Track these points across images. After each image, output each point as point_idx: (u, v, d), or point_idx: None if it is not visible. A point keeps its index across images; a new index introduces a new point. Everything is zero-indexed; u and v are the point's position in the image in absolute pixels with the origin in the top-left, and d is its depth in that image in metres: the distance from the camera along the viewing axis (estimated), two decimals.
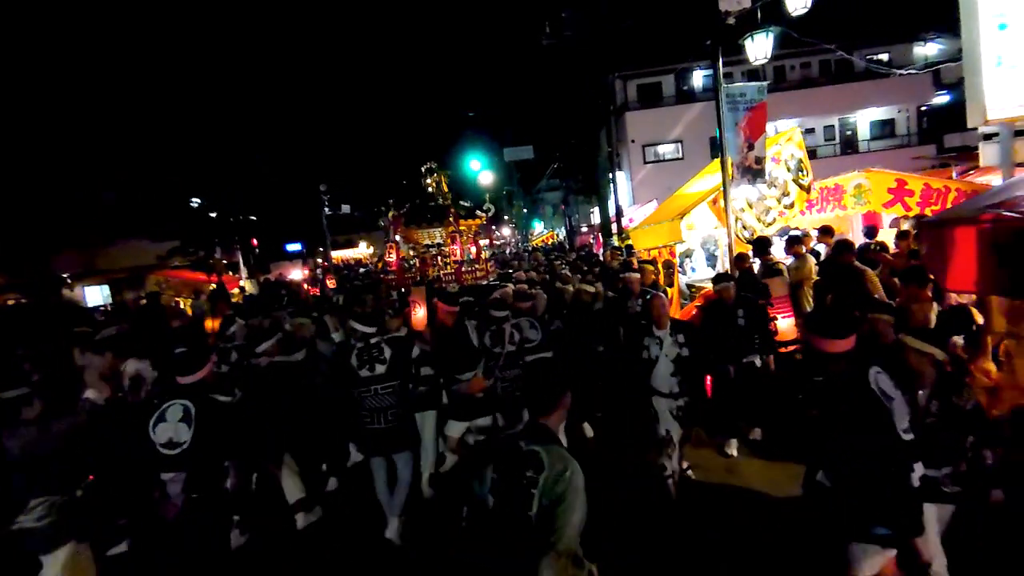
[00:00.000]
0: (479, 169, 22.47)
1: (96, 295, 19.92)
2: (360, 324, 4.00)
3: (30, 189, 16.33)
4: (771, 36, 6.87)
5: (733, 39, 7.24)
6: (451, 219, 9.34)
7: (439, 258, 9.23)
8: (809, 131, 23.21)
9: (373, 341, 3.88)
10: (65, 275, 18.88)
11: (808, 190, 7.82)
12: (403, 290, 8.16)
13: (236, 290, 17.96)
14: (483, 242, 11.29)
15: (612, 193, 15.70)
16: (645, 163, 22.57)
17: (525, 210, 37.42)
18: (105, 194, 18.21)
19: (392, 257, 9.78)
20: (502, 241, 50.47)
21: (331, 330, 5.29)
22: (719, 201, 7.56)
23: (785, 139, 7.82)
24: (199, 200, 20.80)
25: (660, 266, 8.33)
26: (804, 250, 6.29)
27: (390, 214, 9.82)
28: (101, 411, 3.52)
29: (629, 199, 21.84)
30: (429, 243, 9.48)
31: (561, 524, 1.85)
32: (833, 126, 23.34)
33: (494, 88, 53.67)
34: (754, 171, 7.40)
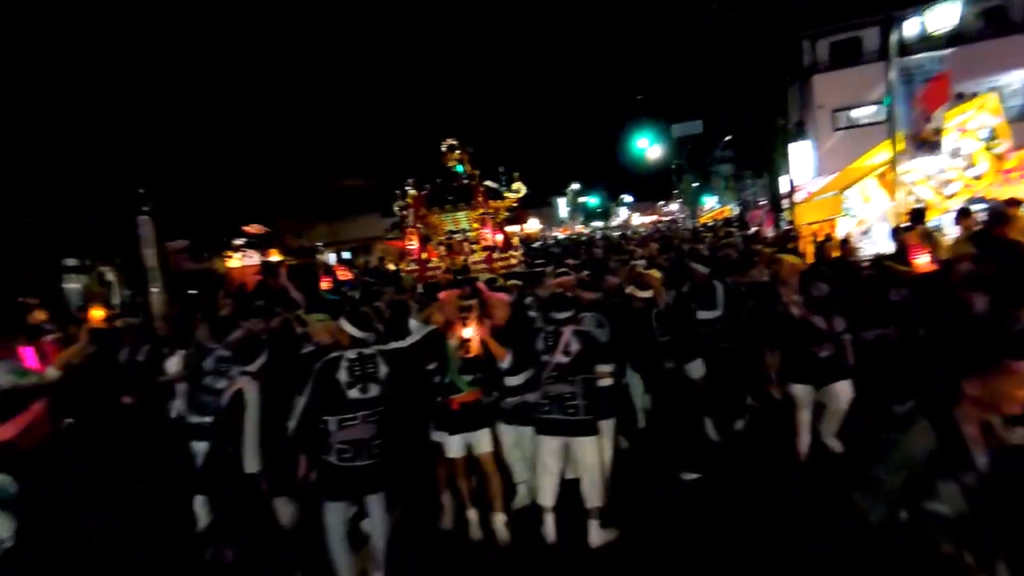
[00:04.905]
0: (646, 147, 22.90)
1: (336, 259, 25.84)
2: (353, 328, 3.20)
3: (298, 179, 22.18)
4: (958, 3, 6.70)
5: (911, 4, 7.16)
6: (480, 199, 8.07)
7: (465, 244, 8.19)
8: None
9: (367, 352, 3.18)
10: (319, 243, 24.92)
11: (1003, 158, 7.35)
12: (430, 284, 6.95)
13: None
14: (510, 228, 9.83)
15: (784, 166, 15.21)
16: (835, 130, 20.51)
17: (695, 184, 35.99)
18: (348, 180, 23.72)
19: (414, 245, 8.41)
20: (670, 217, 48.87)
21: None
22: (888, 174, 7.63)
23: (976, 108, 7.40)
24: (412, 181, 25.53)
25: (816, 241, 8.53)
26: (974, 225, 6.24)
27: (409, 195, 8.50)
28: None
29: (814, 171, 20.27)
30: (453, 228, 8.42)
31: None
32: None
33: (662, 65, 51.67)
34: (931, 143, 7.32)
